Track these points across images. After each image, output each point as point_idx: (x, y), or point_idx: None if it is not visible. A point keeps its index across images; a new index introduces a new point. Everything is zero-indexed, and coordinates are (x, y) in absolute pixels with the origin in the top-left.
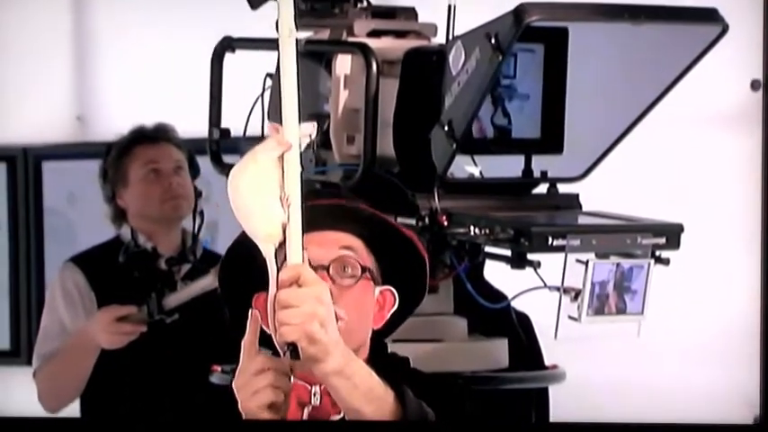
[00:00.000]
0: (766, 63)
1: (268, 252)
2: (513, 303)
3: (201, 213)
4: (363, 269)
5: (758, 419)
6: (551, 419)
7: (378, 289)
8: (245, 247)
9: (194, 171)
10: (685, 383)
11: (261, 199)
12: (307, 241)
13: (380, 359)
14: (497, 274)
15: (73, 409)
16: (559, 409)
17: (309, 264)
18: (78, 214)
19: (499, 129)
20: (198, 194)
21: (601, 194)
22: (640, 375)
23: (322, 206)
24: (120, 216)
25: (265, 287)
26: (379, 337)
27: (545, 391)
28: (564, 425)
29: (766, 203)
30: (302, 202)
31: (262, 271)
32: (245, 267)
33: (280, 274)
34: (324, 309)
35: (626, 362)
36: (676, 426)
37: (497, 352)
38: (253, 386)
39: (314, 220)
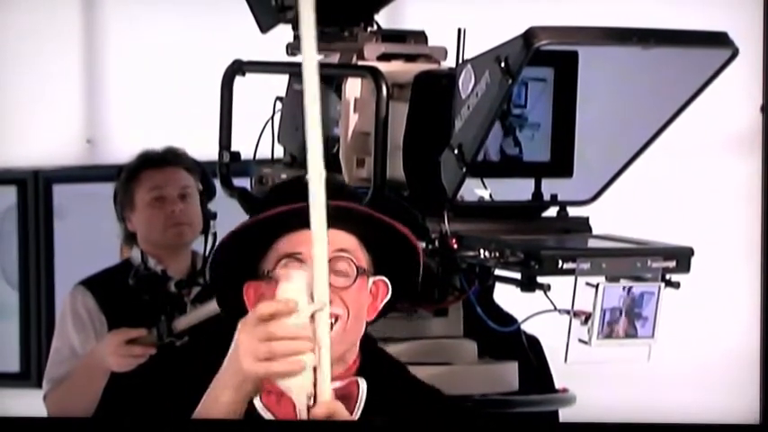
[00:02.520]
0: (766, 85)
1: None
2: (524, 326)
3: (215, 235)
4: (359, 270)
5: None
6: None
7: (371, 280)
8: (235, 242)
9: (209, 192)
10: (687, 402)
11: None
12: (301, 242)
13: (374, 362)
14: (507, 297)
15: None
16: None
17: (304, 264)
18: (88, 237)
19: (510, 153)
20: (212, 216)
21: (611, 218)
22: (647, 397)
23: None
24: (130, 238)
25: (253, 277)
26: (368, 340)
27: (555, 415)
28: (564, 425)
29: (766, 221)
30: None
31: (250, 262)
32: (234, 261)
33: (312, 411)
34: None
35: (632, 384)
36: (676, 426)
37: (507, 375)
38: (258, 351)
39: (308, 221)
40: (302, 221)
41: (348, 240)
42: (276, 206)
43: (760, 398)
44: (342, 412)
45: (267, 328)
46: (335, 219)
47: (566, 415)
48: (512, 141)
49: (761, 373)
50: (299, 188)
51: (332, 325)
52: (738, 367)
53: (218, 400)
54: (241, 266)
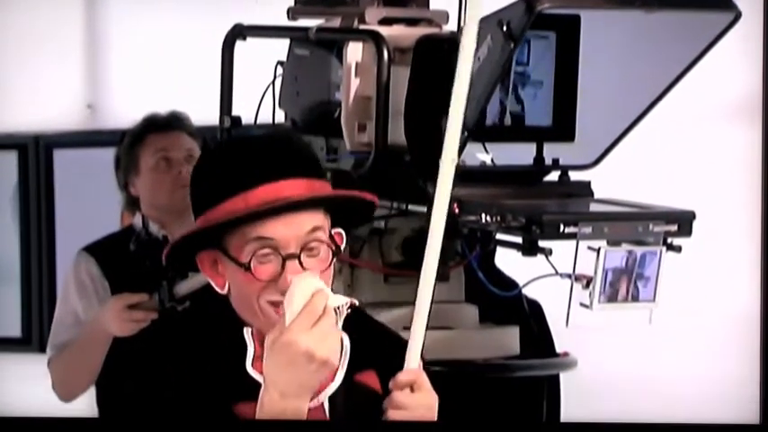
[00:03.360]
0: (765, 54)
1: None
2: (525, 291)
3: None
4: (333, 253)
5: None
6: (562, 405)
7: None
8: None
9: None
10: (686, 372)
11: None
12: (272, 227)
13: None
14: (509, 261)
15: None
16: (570, 396)
17: (277, 250)
18: (90, 202)
19: (512, 115)
20: None
21: (613, 182)
22: (648, 397)
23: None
24: (133, 204)
25: (209, 246)
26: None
27: (556, 379)
28: (564, 425)
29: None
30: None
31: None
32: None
33: (398, 375)
34: (432, 417)
35: (631, 351)
36: (676, 426)
37: (508, 339)
38: (322, 331)
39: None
40: (279, 211)
41: (318, 217)
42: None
43: (760, 398)
44: (424, 381)
45: (328, 322)
46: (309, 205)
47: (566, 415)
48: (514, 100)
49: (761, 373)
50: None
51: None
52: (738, 367)
53: (302, 408)
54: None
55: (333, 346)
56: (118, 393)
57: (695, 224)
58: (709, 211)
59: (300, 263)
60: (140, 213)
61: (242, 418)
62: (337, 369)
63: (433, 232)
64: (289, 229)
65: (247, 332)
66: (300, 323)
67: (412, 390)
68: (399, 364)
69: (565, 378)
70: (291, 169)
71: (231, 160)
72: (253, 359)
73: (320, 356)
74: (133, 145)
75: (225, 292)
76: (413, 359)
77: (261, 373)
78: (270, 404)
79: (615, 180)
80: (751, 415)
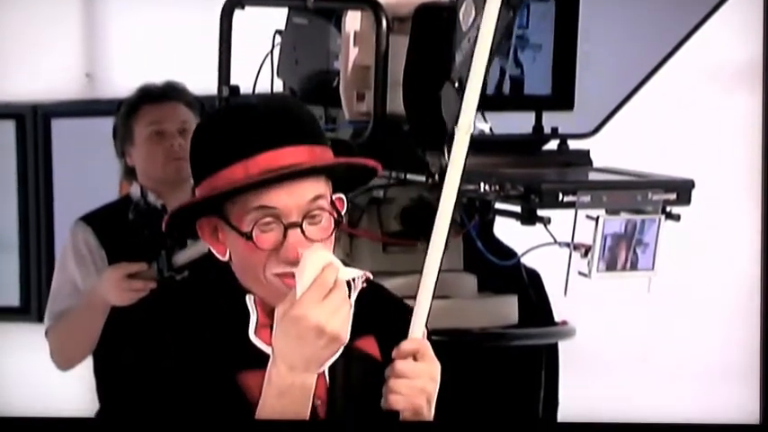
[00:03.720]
0: (765, 20)
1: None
2: (524, 260)
3: None
4: (335, 222)
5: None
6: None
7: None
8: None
9: None
10: (686, 372)
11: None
12: (274, 196)
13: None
14: (507, 231)
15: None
16: (568, 366)
17: (279, 219)
18: (88, 172)
19: (512, 81)
20: None
21: (612, 150)
22: (648, 397)
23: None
24: (130, 173)
25: (209, 213)
26: None
27: (555, 348)
28: (564, 425)
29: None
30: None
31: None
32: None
33: (402, 343)
34: (434, 387)
35: (632, 383)
36: (676, 426)
37: (507, 308)
38: (333, 306)
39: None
40: (285, 177)
41: (320, 184)
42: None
43: (760, 398)
44: (427, 350)
45: (339, 296)
46: (311, 173)
47: (566, 415)
48: (513, 63)
49: (761, 373)
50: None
51: None
52: (739, 367)
53: (308, 383)
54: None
55: (343, 320)
56: (116, 363)
57: (694, 193)
58: (709, 179)
59: (302, 231)
60: (138, 183)
61: (245, 388)
62: None
63: (444, 202)
64: (290, 198)
65: (250, 300)
66: (310, 297)
67: (415, 359)
68: (400, 330)
69: (563, 348)
70: (292, 136)
71: (231, 127)
72: (256, 327)
73: (330, 331)
74: (128, 116)
75: (226, 259)
76: (417, 328)
77: (265, 341)
78: (278, 378)
79: (614, 149)
80: (751, 415)
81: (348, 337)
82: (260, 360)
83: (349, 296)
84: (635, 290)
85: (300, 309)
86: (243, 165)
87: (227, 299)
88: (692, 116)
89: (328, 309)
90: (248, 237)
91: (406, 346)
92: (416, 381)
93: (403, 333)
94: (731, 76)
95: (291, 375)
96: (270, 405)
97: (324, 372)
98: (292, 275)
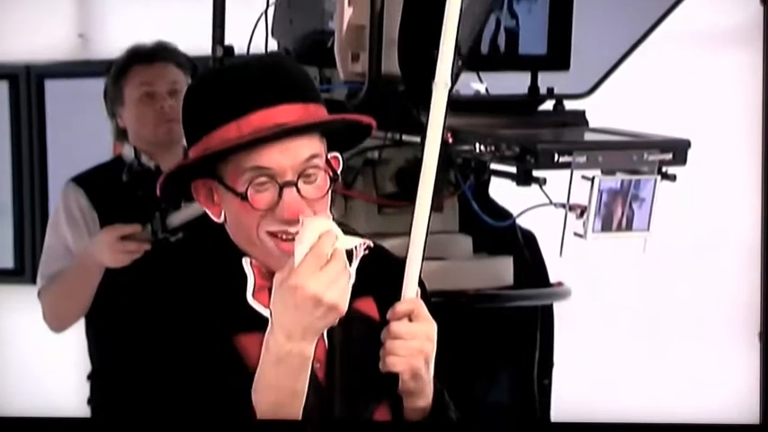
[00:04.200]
0: (766, 80)
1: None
2: (519, 221)
3: None
4: (331, 180)
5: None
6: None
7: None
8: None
9: None
10: (686, 372)
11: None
12: (268, 156)
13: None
14: (503, 192)
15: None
16: (563, 328)
17: (273, 179)
18: (82, 133)
19: (507, 36)
20: None
21: (608, 111)
22: (648, 397)
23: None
24: (121, 135)
25: (203, 175)
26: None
27: (550, 309)
28: (563, 425)
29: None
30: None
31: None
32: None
33: (396, 305)
34: (431, 347)
35: (632, 383)
36: (676, 426)
37: (502, 270)
38: (331, 275)
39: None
40: (280, 135)
41: (314, 143)
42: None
43: (760, 398)
44: (422, 310)
45: (337, 265)
46: (305, 131)
47: (567, 415)
48: (508, 15)
49: (761, 373)
50: (261, 81)
51: None
52: (739, 367)
53: (306, 353)
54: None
55: (341, 290)
56: (111, 324)
57: (692, 153)
58: (707, 140)
59: (298, 190)
60: (130, 144)
61: (242, 351)
62: None
63: (426, 160)
64: (285, 157)
65: (246, 262)
66: (307, 266)
67: (410, 319)
68: (398, 289)
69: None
70: (285, 94)
71: (223, 87)
72: (254, 290)
73: (327, 301)
74: (118, 77)
75: (221, 221)
76: (410, 289)
77: (263, 303)
78: (275, 345)
79: (610, 109)
80: (751, 415)
81: (346, 306)
82: (258, 322)
83: (350, 265)
84: (632, 252)
85: (297, 278)
86: (236, 124)
87: (223, 261)
88: (690, 76)
89: (326, 279)
90: (243, 197)
91: (400, 307)
92: (413, 342)
93: (397, 289)
94: (729, 34)
95: (289, 344)
96: (267, 372)
97: (323, 334)
98: (286, 235)
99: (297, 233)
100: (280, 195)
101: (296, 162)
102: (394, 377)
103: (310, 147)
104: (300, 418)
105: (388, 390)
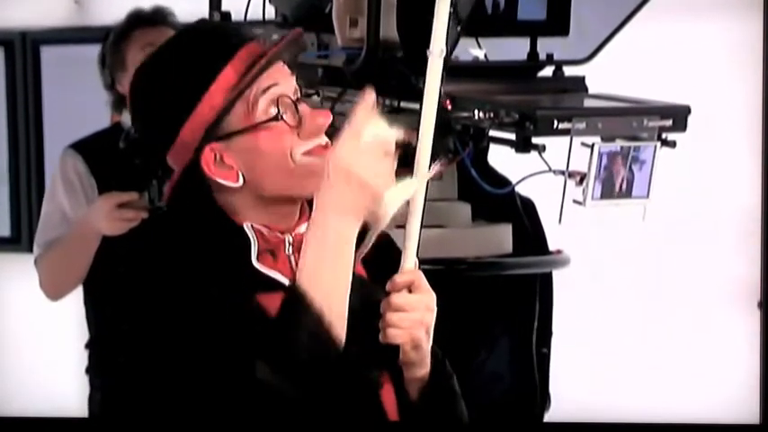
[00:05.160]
0: (766, 81)
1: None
2: (518, 189)
3: None
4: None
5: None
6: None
7: None
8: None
9: None
10: (686, 372)
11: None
12: (273, 77)
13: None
14: (502, 160)
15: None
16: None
17: (288, 98)
18: (78, 99)
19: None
20: None
21: (608, 77)
22: (648, 397)
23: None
24: (120, 102)
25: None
26: None
27: (549, 277)
28: (563, 425)
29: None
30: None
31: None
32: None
33: (395, 277)
34: (431, 317)
35: (632, 383)
36: (676, 426)
37: (501, 237)
38: (379, 170)
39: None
40: (274, 57)
41: (287, 68)
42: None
43: (760, 398)
44: (422, 282)
45: (382, 144)
46: (287, 50)
47: (566, 416)
48: None
49: (761, 373)
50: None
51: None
52: (738, 366)
53: (343, 232)
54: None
55: (374, 167)
56: (116, 293)
57: (690, 121)
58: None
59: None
60: (128, 111)
61: (264, 308)
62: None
63: (423, 129)
64: (284, 76)
65: (247, 227)
66: (343, 139)
67: (410, 291)
68: (384, 254)
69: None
70: (245, 37)
71: (195, 47)
72: (258, 253)
73: (356, 173)
74: (119, 41)
75: (240, 184)
76: (408, 260)
77: (267, 266)
78: (312, 223)
79: (610, 75)
80: (751, 415)
81: (383, 189)
82: (268, 284)
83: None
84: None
85: (333, 150)
86: (230, 67)
87: (223, 227)
88: (689, 41)
89: (360, 153)
90: (278, 118)
91: (399, 278)
92: (414, 313)
93: (387, 257)
94: (723, 2)
95: (325, 219)
96: (307, 252)
97: None
98: (323, 148)
99: (326, 144)
100: (297, 111)
101: (291, 80)
102: (394, 347)
103: (287, 68)
104: (345, 328)
105: (389, 359)
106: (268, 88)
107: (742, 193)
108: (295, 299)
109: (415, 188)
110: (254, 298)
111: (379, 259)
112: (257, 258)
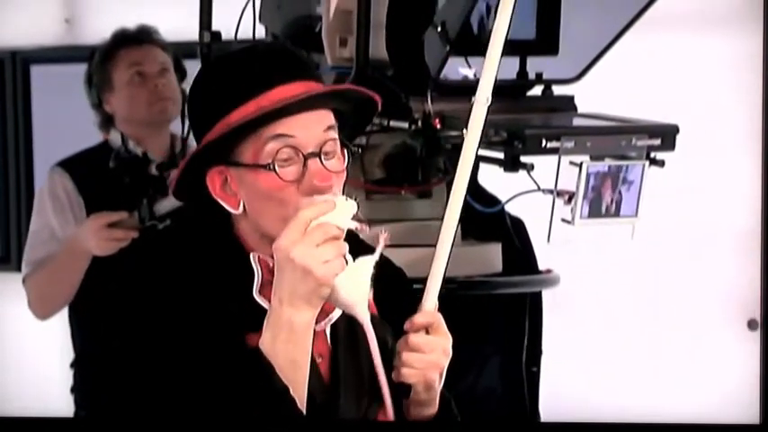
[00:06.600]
0: (766, 82)
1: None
2: (508, 208)
3: None
4: (349, 151)
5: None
6: (544, 325)
7: None
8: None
9: (180, 73)
10: (686, 372)
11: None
12: (293, 126)
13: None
14: (492, 179)
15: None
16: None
17: (297, 150)
18: (68, 118)
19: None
20: (185, 98)
21: (597, 96)
22: (648, 397)
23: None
24: (107, 122)
25: (219, 162)
26: None
27: (539, 296)
28: (562, 425)
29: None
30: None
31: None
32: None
33: (415, 317)
34: (446, 361)
35: (632, 384)
36: (676, 426)
37: (491, 256)
38: (322, 256)
39: (303, 106)
40: (301, 107)
41: (331, 117)
42: (257, 87)
43: (760, 398)
44: (440, 324)
45: (324, 230)
46: (324, 100)
47: (567, 416)
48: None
49: (761, 373)
50: (276, 62)
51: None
52: (738, 367)
53: (295, 323)
54: (217, 148)
55: (316, 257)
56: (106, 314)
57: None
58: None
59: (321, 162)
60: (117, 130)
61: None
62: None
63: (458, 178)
64: (306, 127)
65: (254, 258)
66: (289, 230)
67: (427, 332)
68: (394, 289)
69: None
70: (299, 72)
71: (236, 69)
72: (260, 285)
73: (299, 263)
74: (105, 61)
75: (239, 212)
76: (430, 300)
77: (268, 299)
78: (270, 310)
79: (600, 94)
80: (751, 415)
81: (329, 280)
82: (259, 317)
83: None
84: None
85: (280, 240)
86: (255, 101)
87: (223, 251)
88: (680, 60)
89: (309, 244)
90: (270, 167)
91: (419, 319)
92: (431, 355)
93: (397, 292)
94: (719, 17)
95: (280, 308)
96: (264, 336)
97: (325, 330)
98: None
99: None
100: (305, 166)
101: (316, 133)
102: (406, 389)
103: (328, 118)
104: (305, 398)
105: (395, 393)
106: (280, 136)
107: (741, 209)
108: (258, 359)
109: (371, 265)
110: (244, 337)
111: (391, 296)
112: (259, 291)
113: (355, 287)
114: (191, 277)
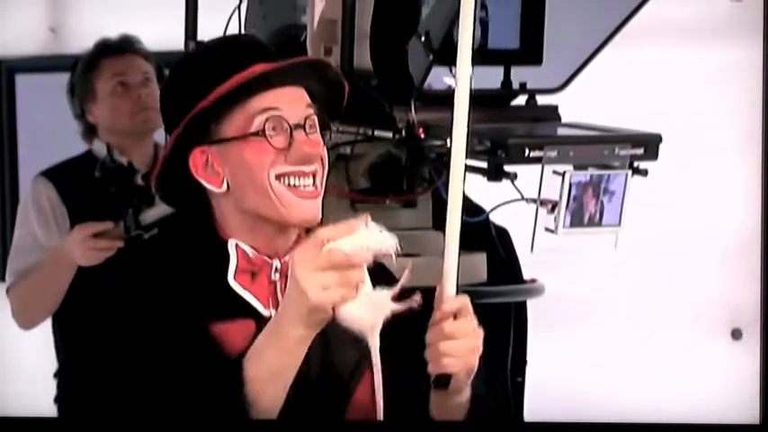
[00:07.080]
0: (766, 82)
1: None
2: (493, 218)
3: None
4: (323, 125)
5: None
6: (529, 333)
7: None
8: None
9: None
10: (687, 402)
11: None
12: (274, 99)
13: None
14: (477, 189)
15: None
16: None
17: (286, 122)
18: (53, 128)
19: (480, 28)
20: None
21: (581, 106)
22: (647, 397)
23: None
24: (90, 132)
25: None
26: None
27: (523, 306)
28: (562, 425)
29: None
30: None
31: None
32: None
33: (442, 305)
34: (481, 342)
35: (632, 384)
36: (676, 426)
37: (476, 266)
38: (323, 282)
39: (286, 79)
40: (282, 79)
41: (306, 95)
42: (238, 64)
43: (760, 398)
44: (468, 307)
45: (331, 257)
46: (304, 75)
47: (567, 415)
48: (481, 9)
49: (761, 374)
50: (253, 45)
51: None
52: (738, 367)
53: (289, 336)
54: (198, 124)
55: (321, 286)
56: (89, 323)
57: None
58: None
59: (306, 134)
60: (100, 140)
61: (222, 338)
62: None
63: (454, 162)
64: (291, 102)
65: (232, 245)
66: (301, 250)
67: (454, 317)
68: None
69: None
70: (272, 54)
71: (215, 53)
72: (235, 271)
73: (313, 296)
74: (87, 71)
75: (223, 189)
76: (450, 286)
77: (243, 286)
78: (272, 319)
79: (584, 104)
80: (751, 415)
81: (328, 305)
82: (239, 308)
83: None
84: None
85: (295, 251)
86: (238, 76)
87: (204, 248)
88: (663, 69)
89: (311, 263)
90: (261, 134)
91: (447, 306)
92: (467, 340)
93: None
94: (699, 27)
95: (281, 317)
96: (259, 339)
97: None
98: (301, 176)
99: (311, 172)
100: (291, 137)
101: (300, 107)
102: (446, 379)
103: (306, 96)
104: (278, 409)
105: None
106: (267, 109)
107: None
108: (234, 370)
109: (388, 298)
110: (214, 328)
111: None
112: (234, 277)
113: (365, 317)
114: (175, 288)
